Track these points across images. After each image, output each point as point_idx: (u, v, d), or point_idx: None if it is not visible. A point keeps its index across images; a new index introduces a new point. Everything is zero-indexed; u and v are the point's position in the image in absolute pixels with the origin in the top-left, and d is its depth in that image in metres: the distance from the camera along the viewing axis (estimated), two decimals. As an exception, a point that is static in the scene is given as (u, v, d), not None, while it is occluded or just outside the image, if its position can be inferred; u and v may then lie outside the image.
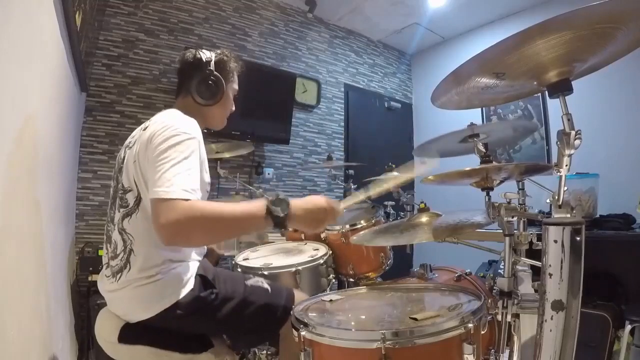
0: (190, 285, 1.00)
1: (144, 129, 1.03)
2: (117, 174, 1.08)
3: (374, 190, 1.12)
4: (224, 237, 1.08)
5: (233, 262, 1.53)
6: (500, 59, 0.74)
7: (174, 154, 0.90)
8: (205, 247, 1.14)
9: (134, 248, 0.98)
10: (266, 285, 1.15)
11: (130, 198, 1.00)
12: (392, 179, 1.23)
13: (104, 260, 1.07)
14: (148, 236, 0.96)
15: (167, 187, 0.84)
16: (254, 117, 2.89)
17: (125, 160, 1.04)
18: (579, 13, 0.61)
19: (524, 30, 0.64)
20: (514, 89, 0.88)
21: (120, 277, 0.98)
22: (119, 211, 1.01)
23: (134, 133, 1.12)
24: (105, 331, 1.01)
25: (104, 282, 1.05)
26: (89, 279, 2.03)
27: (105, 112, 2.46)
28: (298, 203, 0.96)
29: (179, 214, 0.81)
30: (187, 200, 0.83)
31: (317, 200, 0.99)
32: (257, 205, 0.91)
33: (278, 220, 0.90)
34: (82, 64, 1.78)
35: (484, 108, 3.67)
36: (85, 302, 2.00)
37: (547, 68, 0.75)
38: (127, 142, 1.11)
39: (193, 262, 1.06)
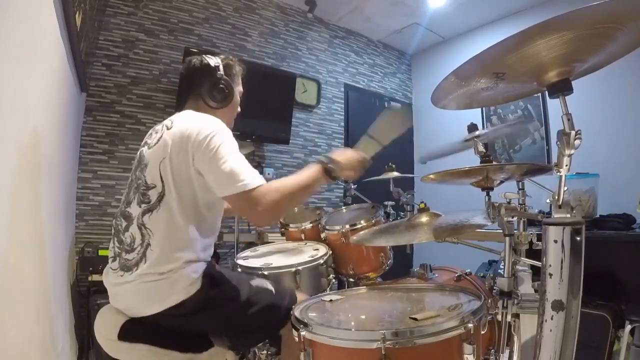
0: (198, 284, 1.01)
1: (169, 128, 1.08)
2: (135, 170, 1.11)
3: (381, 134, 1.29)
4: (302, 201, 1.35)
5: (233, 261, 1.53)
6: (500, 59, 0.74)
7: (228, 150, 1.01)
8: (213, 248, 1.16)
9: (151, 242, 1.00)
10: (270, 287, 1.16)
11: (153, 195, 1.02)
12: (390, 120, 1.38)
13: (111, 253, 1.08)
14: (166, 233, 1.00)
15: (247, 180, 0.97)
16: (254, 117, 2.89)
17: (144, 159, 1.08)
18: (579, 13, 0.61)
19: (524, 30, 0.64)
20: (514, 89, 0.88)
21: (136, 270, 0.99)
22: (140, 207, 1.03)
23: (148, 134, 1.17)
24: (105, 328, 1.01)
25: (110, 276, 1.06)
26: (89, 279, 2.03)
27: (105, 112, 2.46)
28: (338, 157, 1.15)
29: (272, 197, 0.99)
30: (266, 184, 1.00)
31: (350, 152, 1.21)
32: (316, 169, 1.12)
33: (333, 175, 1.12)
34: (82, 64, 1.78)
35: (483, 108, 3.67)
36: (85, 302, 2.00)
37: (547, 68, 0.75)
38: (146, 140, 1.16)
39: (202, 262, 1.07)
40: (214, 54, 1.27)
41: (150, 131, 1.19)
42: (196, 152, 1.00)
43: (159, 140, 1.07)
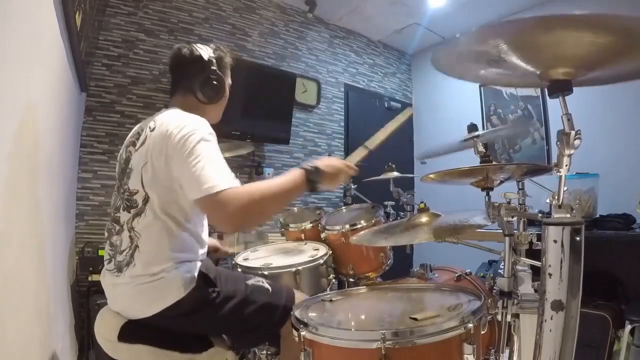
0: (192, 284, 1.01)
1: (152, 130, 1.02)
2: (121, 175, 1.08)
3: (372, 143, 1.31)
4: (278, 209, 1.19)
5: (233, 262, 1.53)
6: (519, 35, 0.72)
7: (202, 151, 0.94)
8: (206, 246, 1.15)
9: (139, 244, 0.99)
10: (267, 285, 1.15)
11: (139, 199, 1.01)
12: (383, 130, 1.40)
13: (106, 256, 1.07)
14: (155, 234, 0.98)
15: (214, 182, 0.89)
16: (254, 117, 2.89)
17: (130, 162, 1.05)
18: (609, 17, 0.60)
19: (548, 15, 0.63)
20: (516, 75, 0.86)
21: (125, 271, 0.99)
22: (129, 212, 1.02)
23: (135, 132, 1.12)
24: (105, 329, 1.01)
25: (106, 277, 1.06)
26: (89, 279, 2.02)
27: (105, 112, 2.46)
28: (322, 164, 1.06)
29: (240, 201, 0.89)
30: (235, 187, 0.90)
31: (335, 161, 1.12)
32: (297, 174, 1.02)
33: (314, 184, 1.03)
34: (82, 64, 1.78)
35: (484, 108, 3.67)
36: (85, 302, 2.00)
37: (555, 63, 0.74)
38: (128, 141, 1.11)
39: (196, 262, 1.07)
40: (203, 43, 1.20)
41: (136, 129, 1.12)
42: (172, 153, 0.95)
43: (142, 143, 1.03)
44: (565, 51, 0.70)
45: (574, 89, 0.77)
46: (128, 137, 1.13)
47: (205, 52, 1.15)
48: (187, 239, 1.04)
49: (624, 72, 0.72)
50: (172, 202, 1.00)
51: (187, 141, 0.94)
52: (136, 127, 1.13)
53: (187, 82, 1.15)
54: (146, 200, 0.99)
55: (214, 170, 0.91)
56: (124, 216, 1.03)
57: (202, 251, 1.12)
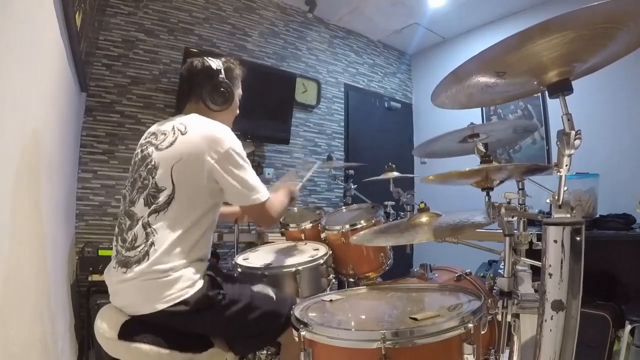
0: (199, 284, 1.02)
1: (183, 133, 1.09)
2: (142, 171, 1.10)
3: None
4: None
5: (233, 262, 1.53)
6: (501, 59, 0.74)
7: (246, 166, 1.13)
8: (210, 249, 1.17)
9: (155, 242, 1.01)
10: (272, 293, 1.17)
11: (163, 196, 1.04)
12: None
13: (114, 252, 1.09)
14: (171, 233, 1.02)
15: (258, 193, 1.14)
16: (254, 117, 2.88)
17: (157, 161, 1.08)
18: (579, 13, 0.61)
19: (524, 30, 0.64)
20: (514, 89, 0.88)
21: (135, 267, 1.00)
22: (149, 207, 1.04)
23: (151, 132, 1.17)
24: (106, 328, 1.01)
25: (111, 274, 1.07)
26: (89, 279, 2.02)
27: (105, 112, 2.46)
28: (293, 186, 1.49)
29: (276, 208, 1.23)
30: (270, 197, 1.18)
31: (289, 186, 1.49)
32: (289, 191, 1.42)
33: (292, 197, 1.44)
34: (82, 64, 1.78)
35: (484, 108, 3.66)
36: (85, 302, 2.00)
37: (548, 68, 0.75)
38: (145, 140, 1.16)
39: (204, 262, 1.09)
40: (215, 55, 1.28)
41: (152, 130, 1.18)
42: (217, 162, 1.06)
43: (171, 143, 1.08)
44: (553, 55, 0.70)
45: (574, 88, 0.77)
46: (145, 137, 1.19)
47: (215, 63, 1.22)
48: (201, 240, 1.07)
49: (620, 48, 0.72)
50: (198, 204, 1.06)
51: (232, 154, 1.09)
52: (153, 130, 1.18)
53: (198, 91, 1.21)
54: (170, 199, 1.03)
55: (256, 182, 1.14)
56: (140, 210, 1.05)
57: (210, 251, 1.15)
